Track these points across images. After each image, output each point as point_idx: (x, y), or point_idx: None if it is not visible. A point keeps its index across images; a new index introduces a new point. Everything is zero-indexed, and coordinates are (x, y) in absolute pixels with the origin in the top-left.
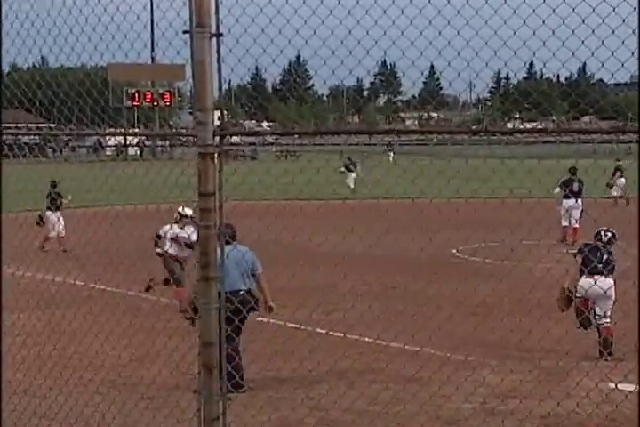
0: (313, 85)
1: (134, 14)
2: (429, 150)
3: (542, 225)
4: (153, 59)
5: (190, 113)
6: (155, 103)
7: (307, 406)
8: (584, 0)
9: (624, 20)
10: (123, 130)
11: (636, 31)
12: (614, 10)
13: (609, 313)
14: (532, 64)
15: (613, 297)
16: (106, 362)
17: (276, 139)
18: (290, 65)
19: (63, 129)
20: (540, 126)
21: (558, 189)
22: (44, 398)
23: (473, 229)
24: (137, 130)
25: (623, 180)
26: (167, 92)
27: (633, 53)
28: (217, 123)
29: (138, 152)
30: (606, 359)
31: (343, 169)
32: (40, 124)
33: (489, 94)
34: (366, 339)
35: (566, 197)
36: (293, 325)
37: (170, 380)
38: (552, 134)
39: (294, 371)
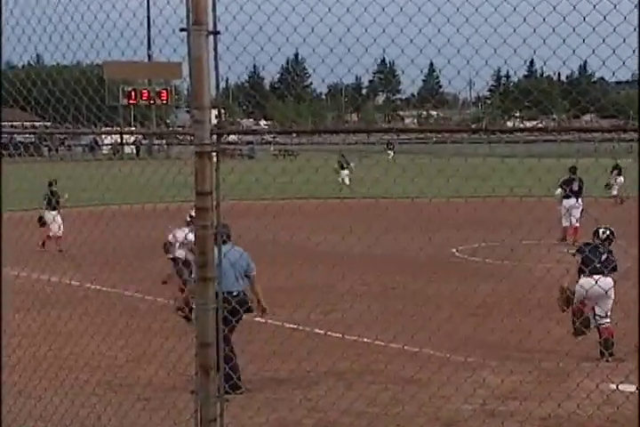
0: (311, 84)
1: (130, 11)
2: (429, 149)
3: (543, 224)
4: (150, 56)
5: (187, 111)
6: (151, 101)
7: (305, 408)
8: None
9: (625, 18)
10: (119, 128)
11: (637, 29)
12: (615, 7)
13: (609, 313)
14: (532, 62)
15: (613, 296)
16: (102, 363)
17: (274, 137)
18: (288, 63)
19: (59, 127)
20: (540, 125)
21: (560, 190)
22: (39, 399)
23: (473, 229)
24: (133, 128)
25: (621, 178)
26: (164, 91)
27: (634, 51)
28: (214, 121)
29: (134, 151)
30: (607, 360)
31: (336, 166)
32: (35, 123)
33: (489, 92)
34: (365, 339)
35: (567, 196)
36: (291, 325)
37: (167, 381)
38: (552, 133)
39: (292, 372)
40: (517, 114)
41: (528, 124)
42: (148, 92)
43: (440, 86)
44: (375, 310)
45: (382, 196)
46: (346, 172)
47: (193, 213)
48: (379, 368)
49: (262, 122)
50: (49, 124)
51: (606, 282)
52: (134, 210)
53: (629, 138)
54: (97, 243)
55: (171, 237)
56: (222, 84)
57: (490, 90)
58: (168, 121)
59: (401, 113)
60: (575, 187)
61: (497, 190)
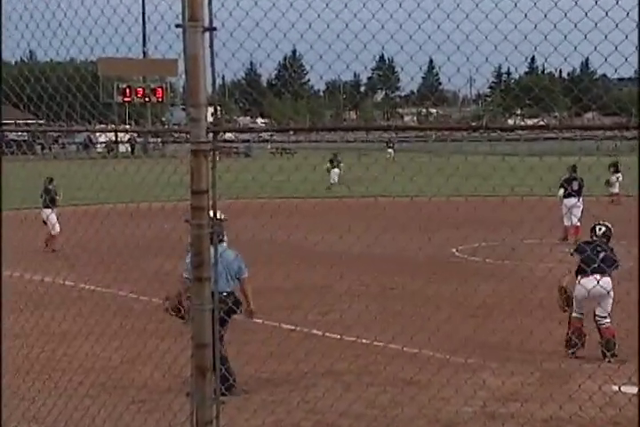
0: (309, 81)
1: (125, 7)
2: (428, 147)
3: (544, 223)
4: (145, 53)
5: (183, 109)
6: (146, 99)
7: (302, 410)
8: None
9: (628, 14)
10: (114, 126)
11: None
12: (617, 3)
13: (609, 313)
14: (533, 59)
15: (612, 295)
16: (96, 364)
17: (271, 135)
18: (285, 59)
19: (52, 125)
20: (541, 123)
21: (562, 191)
22: (32, 401)
23: (473, 228)
24: (128, 126)
25: (618, 176)
26: (159, 88)
27: (637, 47)
28: (210, 119)
29: (129, 149)
30: (609, 361)
31: (328, 165)
32: (28, 121)
33: (489, 90)
34: (363, 341)
35: (567, 195)
36: (289, 326)
37: (162, 383)
38: (554, 131)
39: (289, 373)
40: (518, 111)
41: (529, 122)
42: (143, 89)
43: (440, 83)
44: (374, 311)
45: (381, 194)
46: (337, 171)
47: (212, 214)
48: (377, 370)
49: (259, 119)
50: (42, 121)
51: (605, 281)
52: (129, 209)
53: (632, 136)
54: (91, 242)
55: None
56: (218, 82)
57: (490, 87)
58: (163, 119)
59: (400, 111)
60: (575, 186)
61: (497, 189)
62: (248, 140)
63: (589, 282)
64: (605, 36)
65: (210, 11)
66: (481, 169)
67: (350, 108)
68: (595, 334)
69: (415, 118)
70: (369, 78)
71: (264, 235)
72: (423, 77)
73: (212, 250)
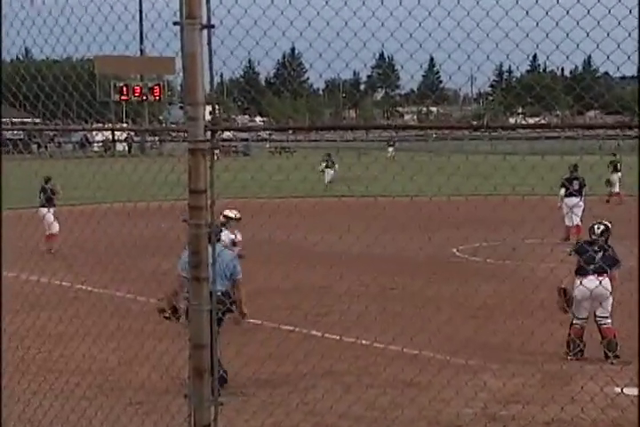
0: (308, 79)
1: (122, 4)
2: (428, 146)
3: (546, 223)
4: (142, 51)
5: (180, 107)
6: (144, 97)
7: (301, 412)
8: None
9: (630, 11)
10: (111, 125)
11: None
12: (620, 0)
13: (610, 313)
14: (535, 57)
15: (610, 294)
16: (93, 366)
17: (270, 134)
18: (284, 58)
19: (48, 124)
20: (543, 121)
21: (563, 190)
22: (28, 403)
23: (473, 228)
24: (125, 125)
25: (618, 175)
26: (156, 86)
27: (639, 45)
28: (208, 118)
29: (126, 148)
30: (612, 362)
31: (323, 167)
32: (24, 119)
33: (490, 88)
34: (363, 342)
35: (569, 195)
36: (288, 327)
37: (159, 384)
38: (555, 129)
39: (288, 375)
40: (520, 110)
41: (530, 121)
42: (141, 87)
43: (440, 82)
44: (373, 312)
45: (381, 194)
46: (331, 171)
47: (229, 214)
48: (377, 371)
49: (258, 118)
50: (38, 120)
51: (605, 281)
52: (126, 208)
53: (634, 135)
54: (88, 242)
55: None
56: (216, 80)
57: (491, 85)
58: (161, 117)
59: (400, 109)
60: (576, 186)
61: (499, 188)
62: (247, 139)
63: (590, 282)
64: (608, 34)
65: (208, 8)
66: (482, 168)
67: (350, 106)
68: (596, 334)
69: (415, 117)
70: (369, 77)
71: (263, 234)
72: (423, 76)
73: (209, 249)
